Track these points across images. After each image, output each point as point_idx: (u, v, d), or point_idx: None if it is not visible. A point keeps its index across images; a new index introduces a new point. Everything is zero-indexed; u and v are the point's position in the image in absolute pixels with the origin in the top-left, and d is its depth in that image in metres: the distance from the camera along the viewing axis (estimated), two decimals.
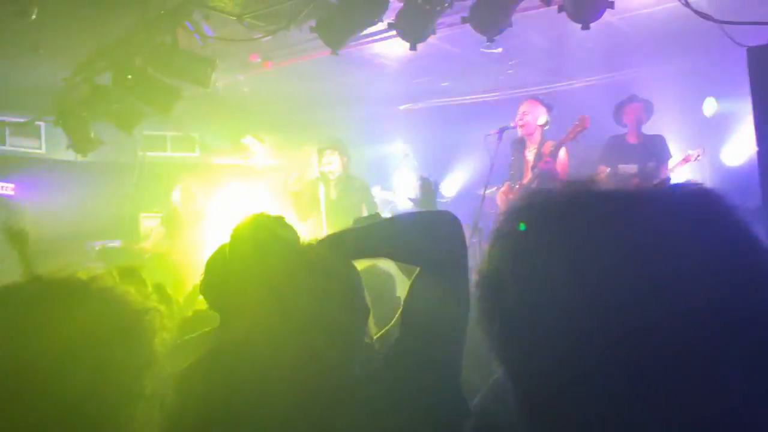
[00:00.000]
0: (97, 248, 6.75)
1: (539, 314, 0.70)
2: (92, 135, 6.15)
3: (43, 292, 1.14)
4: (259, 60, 6.72)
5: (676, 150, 6.47)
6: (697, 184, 0.75)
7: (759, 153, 3.55)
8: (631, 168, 6.21)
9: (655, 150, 6.32)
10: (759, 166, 3.56)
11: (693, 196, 0.73)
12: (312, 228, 7.03)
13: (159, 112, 5.84)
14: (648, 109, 6.41)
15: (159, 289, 3.53)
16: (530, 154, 5.83)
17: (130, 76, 5.57)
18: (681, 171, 6.48)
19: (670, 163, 6.38)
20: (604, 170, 6.55)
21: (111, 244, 6.86)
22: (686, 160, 6.37)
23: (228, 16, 5.34)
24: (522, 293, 0.72)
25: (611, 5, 4.22)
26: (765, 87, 3.50)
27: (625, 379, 0.65)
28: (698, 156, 6.38)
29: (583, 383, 0.67)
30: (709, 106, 7.55)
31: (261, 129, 8.54)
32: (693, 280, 0.65)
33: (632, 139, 6.35)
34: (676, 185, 0.75)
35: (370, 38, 5.99)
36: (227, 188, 8.57)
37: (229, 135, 8.62)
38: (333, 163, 6.47)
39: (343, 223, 6.27)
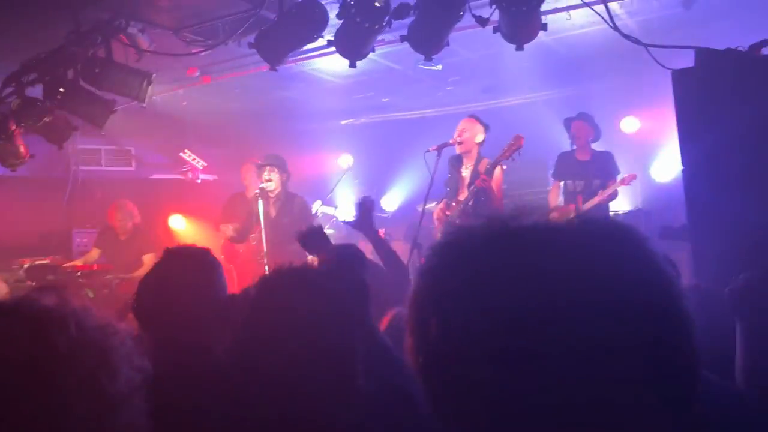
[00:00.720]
0: (26, 266, 6.51)
1: (457, 350, 0.73)
2: (22, 149, 5.93)
3: None
4: (198, 74, 6.65)
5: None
6: (609, 220, 0.80)
7: (683, 171, 3.70)
8: (577, 184, 6.36)
9: (603, 166, 6.47)
10: (684, 183, 3.70)
11: (605, 233, 0.76)
12: (253, 245, 6.98)
13: (92, 126, 5.69)
14: (594, 127, 6.54)
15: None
16: (466, 172, 5.90)
17: (62, 89, 5.42)
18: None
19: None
20: (558, 185, 6.69)
21: (40, 262, 6.62)
22: (621, 183, 6.54)
23: (165, 30, 5.28)
24: (442, 329, 0.75)
25: (544, 27, 4.34)
26: (689, 107, 3.64)
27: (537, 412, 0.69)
28: (631, 180, 6.57)
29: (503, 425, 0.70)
30: (629, 125, 7.85)
31: (200, 143, 8.43)
32: (598, 317, 0.68)
33: (581, 156, 6.50)
34: (592, 221, 0.78)
35: (311, 54, 6.00)
36: (165, 204, 8.44)
37: (166, 149, 8.47)
38: (273, 181, 6.46)
39: (283, 240, 6.30)
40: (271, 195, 6.51)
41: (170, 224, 8.46)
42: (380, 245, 3.46)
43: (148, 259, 6.68)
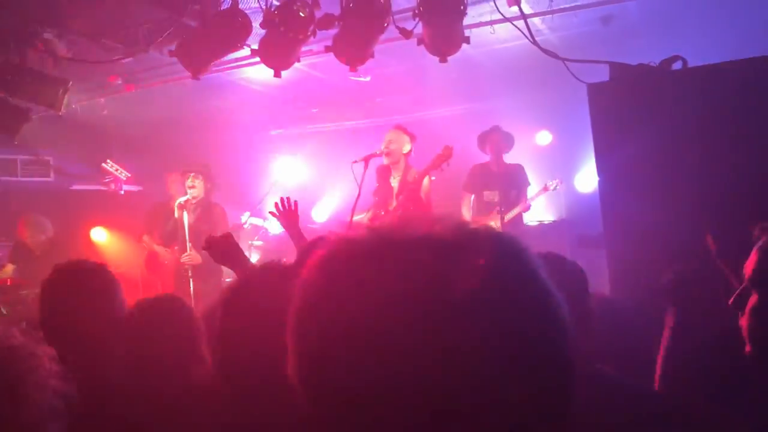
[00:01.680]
0: None
1: (334, 360, 0.73)
2: None
3: None
4: (120, 82, 6.48)
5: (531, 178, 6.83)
6: (488, 230, 0.79)
7: (599, 181, 3.81)
8: (494, 195, 6.47)
9: (515, 178, 6.63)
10: (599, 193, 3.81)
11: (484, 242, 0.76)
12: (175, 254, 6.83)
13: (5, 135, 5.46)
14: (508, 140, 6.73)
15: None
16: (395, 182, 5.93)
17: None
18: (539, 199, 6.85)
19: (530, 192, 6.72)
20: (468, 196, 6.81)
21: None
22: (545, 189, 6.74)
23: (83, 37, 5.12)
24: (320, 339, 0.75)
25: (467, 40, 4.41)
26: (603, 120, 3.76)
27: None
28: (556, 186, 6.77)
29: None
30: (543, 137, 8.08)
31: (123, 153, 8.19)
32: (474, 327, 0.70)
33: (495, 168, 6.62)
34: (475, 231, 0.78)
35: (236, 63, 5.93)
36: (87, 216, 8.16)
37: (87, 159, 8.18)
38: (196, 187, 6.45)
39: (197, 245, 6.21)
40: (192, 201, 6.48)
41: (92, 237, 8.18)
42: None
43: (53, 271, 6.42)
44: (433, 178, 5.84)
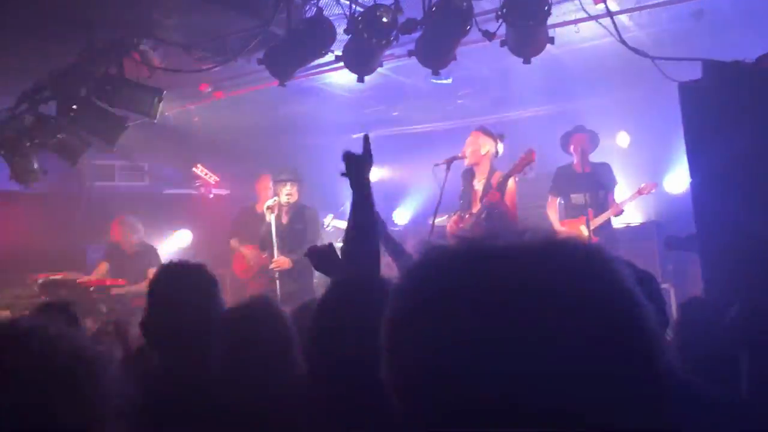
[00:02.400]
0: (40, 281, 6.56)
1: (429, 368, 0.75)
2: (36, 166, 6.01)
3: None
4: (210, 90, 6.71)
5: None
6: (577, 240, 0.80)
7: (692, 183, 3.68)
8: (582, 197, 6.33)
9: (602, 178, 6.48)
10: (692, 195, 3.68)
11: (572, 253, 0.78)
12: (263, 258, 7.02)
13: (104, 143, 5.76)
14: (593, 139, 6.59)
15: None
16: (479, 185, 5.88)
17: (75, 106, 5.49)
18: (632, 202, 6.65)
19: (622, 196, 6.54)
20: (555, 199, 6.70)
21: (54, 277, 6.68)
22: (640, 192, 6.54)
23: (175, 47, 5.34)
24: (412, 350, 0.77)
25: (551, 41, 4.35)
26: (695, 120, 3.63)
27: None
28: (651, 189, 6.56)
29: None
30: (623, 139, 7.83)
31: (212, 158, 8.48)
32: (565, 335, 0.71)
33: (580, 168, 6.48)
34: (560, 242, 0.80)
35: (320, 69, 6.04)
36: (178, 218, 8.49)
37: (179, 164, 8.53)
38: (293, 195, 6.71)
39: (294, 248, 6.37)
40: (285, 205, 6.72)
41: (177, 238, 8.47)
42: (365, 210, 2.77)
43: (152, 274, 6.70)
44: (516, 180, 5.78)
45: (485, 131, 5.95)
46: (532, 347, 0.70)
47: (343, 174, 2.71)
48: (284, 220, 6.76)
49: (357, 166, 2.75)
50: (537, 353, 0.70)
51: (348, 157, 2.73)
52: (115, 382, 1.17)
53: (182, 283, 2.16)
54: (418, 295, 0.79)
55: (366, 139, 2.88)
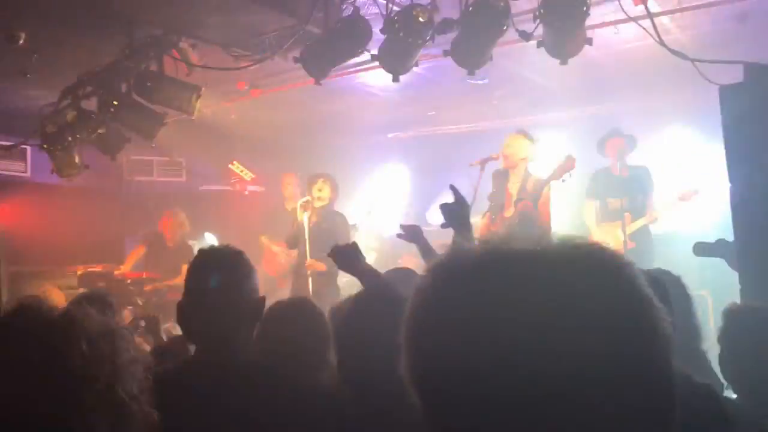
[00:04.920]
0: (79, 273, 6.72)
1: (447, 362, 0.78)
2: (77, 160, 6.15)
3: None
4: (247, 88, 6.78)
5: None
6: (596, 246, 0.82)
7: (731, 188, 3.60)
8: (619, 201, 6.22)
9: (641, 182, 6.36)
10: (731, 201, 3.60)
11: (588, 257, 0.80)
12: (297, 256, 7.06)
13: (143, 138, 5.87)
14: (630, 143, 6.48)
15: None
16: (513, 188, 5.84)
17: (115, 102, 5.60)
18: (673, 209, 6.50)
19: (664, 202, 6.40)
20: (591, 203, 6.60)
21: (93, 269, 6.83)
22: (681, 198, 6.37)
23: (214, 46, 5.41)
24: (430, 349, 0.80)
25: (589, 42, 4.29)
26: (736, 124, 3.55)
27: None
28: (692, 195, 6.38)
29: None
30: (676, 139, 7.65)
31: (248, 155, 8.57)
32: (578, 337, 0.73)
33: (617, 172, 6.38)
34: (579, 246, 0.82)
35: (356, 68, 6.06)
36: (213, 214, 8.59)
37: (215, 161, 8.64)
38: (323, 192, 6.63)
39: (322, 248, 6.37)
40: (317, 206, 6.65)
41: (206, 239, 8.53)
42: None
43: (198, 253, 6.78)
44: (551, 184, 5.71)
45: (525, 134, 5.90)
46: (549, 349, 0.72)
47: (443, 225, 3.03)
48: (314, 218, 6.75)
49: (455, 213, 3.11)
50: (553, 355, 0.72)
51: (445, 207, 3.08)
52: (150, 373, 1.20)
53: (219, 266, 2.18)
54: (439, 294, 0.82)
55: (454, 188, 3.22)
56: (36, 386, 1.05)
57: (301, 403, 1.82)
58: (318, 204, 6.63)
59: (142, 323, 3.68)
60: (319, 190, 6.61)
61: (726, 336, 2.44)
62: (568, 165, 5.51)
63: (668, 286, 2.00)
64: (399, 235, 3.54)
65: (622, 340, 0.74)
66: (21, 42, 4.99)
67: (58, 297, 5.91)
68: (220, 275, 2.13)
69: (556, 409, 0.71)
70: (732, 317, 2.48)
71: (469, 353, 0.75)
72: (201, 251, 2.30)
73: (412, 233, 3.41)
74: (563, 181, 5.57)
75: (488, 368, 0.74)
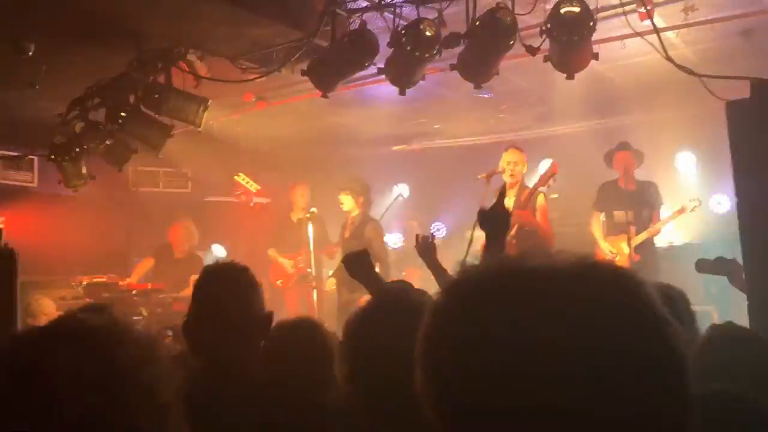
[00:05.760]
0: (84, 283, 6.72)
1: (464, 380, 0.78)
2: (84, 170, 6.17)
3: None
4: (254, 100, 6.80)
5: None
6: (610, 264, 0.84)
7: (738, 205, 3.59)
8: (625, 215, 6.23)
9: (648, 196, 6.37)
10: (739, 217, 3.59)
11: (606, 276, 0.81)
12: (300, 268, 7.08)
13: (150, 149, 5.89)
14: (638, 157, 6.49)
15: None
16: (510, 202, 5.86)
17: (123, 114, 5.63)
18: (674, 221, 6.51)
19: (666, 214, 6.43)
20: (598, 215, 6.61)
21: (98, 279, 6.83)
22: (682, 210, 6.41)
23: (221, 58, 5.44)
24: (447, 368, 0.80)
25: (596, 57, 4.31)
26: (743, 139, 3.55)
27: None
28: (695, 208, 6.42)
29: None
30: (684, 156, 7.68)
31: (254, 167, 8.59)
32: (595, 356, 0.74)
33: (627, 186, 6.40)
34: (592, 264, 0.82)
35: (363, 81, 6.08)
36: (219, 225, 8.60)
37: (221, 172, 8.66)
38: (345, 203, 6.83)
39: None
40: (350, 217, 6.84)
41: (213, 252, 8.55)
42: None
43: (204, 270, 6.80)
44: (554, 196, 5.74)
45: (520, 149, 5.99)
46: (566, 368, 0.73)
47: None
48: (346, 234, 6.80)
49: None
50: (570, 374, 0.73)
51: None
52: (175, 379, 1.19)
53: (225, 283, 2.19)
54: (453, 313, 0.83)
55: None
56: (90, 391, 1.04)
57: (310, 418, 1.82)
58: (349, 214, 6.83)
59: (169, 332, 3.67)
60: (341, 203, 6.83)
61: (701, 356, 2.40)
62: (551, 171, 5.57)
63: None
64: (416, 246, 3.59)
65: (639, 359, 0.74)
66: (30, 53, 5.01)
67: (49, 307, 5.92)
68: (226, 292, 2.14)
69: (574, 427, 0.72)
70: (709, 340, 2.45)
71: (485, 371, 0.76)
72: (207, 267, 2.31)
73: (424, 247, 3.46)
74: (548, 187, 5.63)
75: (506, 386, 0.74)
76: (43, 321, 5.54)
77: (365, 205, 6.92)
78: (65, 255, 7.20)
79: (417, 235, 3.67)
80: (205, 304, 2.15)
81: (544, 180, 5.59)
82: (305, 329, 2.35)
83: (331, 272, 7.27)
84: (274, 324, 2.25)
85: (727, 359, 2.07)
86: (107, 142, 5.91)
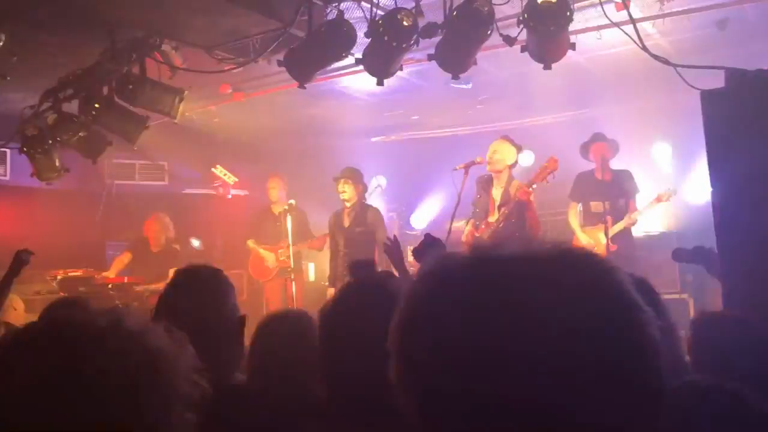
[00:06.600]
0: (59, 277, 6.63)
1: (440, 366, 0.78)
2: (57, 163, 6.07)
3: None
4: (231, 91, 6.74)
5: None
6: (583, 250, 0.85)
7: (713, 194, 3.63)
8: (601, 205, 6.27)
9: (623, 186, 6.41)
10: (713, 206, 3.62)
11: (576, 261, 0.81)
12: (281, 261, 7.05)
13: (125, 142, 5.81)
14: (613, 147, 6.53)
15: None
16: (497, 193, 5.87)
17: (97, 105, 5.55)
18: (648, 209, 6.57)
19: (642, 204, 6.47)
20: (575, 205, 6.65)
21: (73, 273, 6.74)
22: (658, 200, 6.46)
23: (197, 48, 5.37)
24: (420, 353, 0.80)
25: (573, 47, 4.32)
26: (717, 129, 3.58)
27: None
28: (669, 197, 6.47)
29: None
30: (659, 146, 7.75)
31: (231, 159, 8.53)
32: (567, 340, 0.74)
33: (602, 176, 6.43)
34: (567, 250, 0.82)
35: (340, 72, 6.05)
36: (196, 218, 8.53)
37: (198, 164, 8.59)
38: (346, 192, 6.81)
39: (357, 250, 6.39)
40: (347, 205, 6.85)
41: (192, 244, 8.46)
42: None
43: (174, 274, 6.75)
44: (534, 186, 5.74)
45: (510, 140, 5.94)
46: (539, 352, 0.73)
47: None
48: (347, 222, 6.80)
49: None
50: (543, 358, 0.73)
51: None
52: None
53: (198, 286, 2.13)
54: (428, 301, 0.82)
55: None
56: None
57: (284, 425, 1.79)
58: (348, 204, 6.84)
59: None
60: (342, 192, 6.81)
61: (693, 347, 2.42)
62: (551, 166, 5.55)
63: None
64: (384, 249, 3.74)
65: (611, 343, 0.75)
66: (0, 44, 4.91)
67: (16, 304, 5.84)
68: (198, 295, 2.09)
69: (547, 410, 0.72)
70: (698, 327, 2.48)
71: (459, 358, 0.76)
72: (178, 271, 2.26)
73: (392, 247, 3.55)
74: (547, 182, 5.61)
75: (480, 372, 0.74)
76: (12, 315, 5.47)
77: (362, 193, 6.97)
78: (39, 249, 7.06)
79: (387, 238, 3.89)
80: (176, 308, 2.07)
81: (542, 175, 5.57)
82: (295, 321, 2.33)
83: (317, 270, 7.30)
84: (254, 307, 2.23)
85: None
86: (81, 134, 5.81)
